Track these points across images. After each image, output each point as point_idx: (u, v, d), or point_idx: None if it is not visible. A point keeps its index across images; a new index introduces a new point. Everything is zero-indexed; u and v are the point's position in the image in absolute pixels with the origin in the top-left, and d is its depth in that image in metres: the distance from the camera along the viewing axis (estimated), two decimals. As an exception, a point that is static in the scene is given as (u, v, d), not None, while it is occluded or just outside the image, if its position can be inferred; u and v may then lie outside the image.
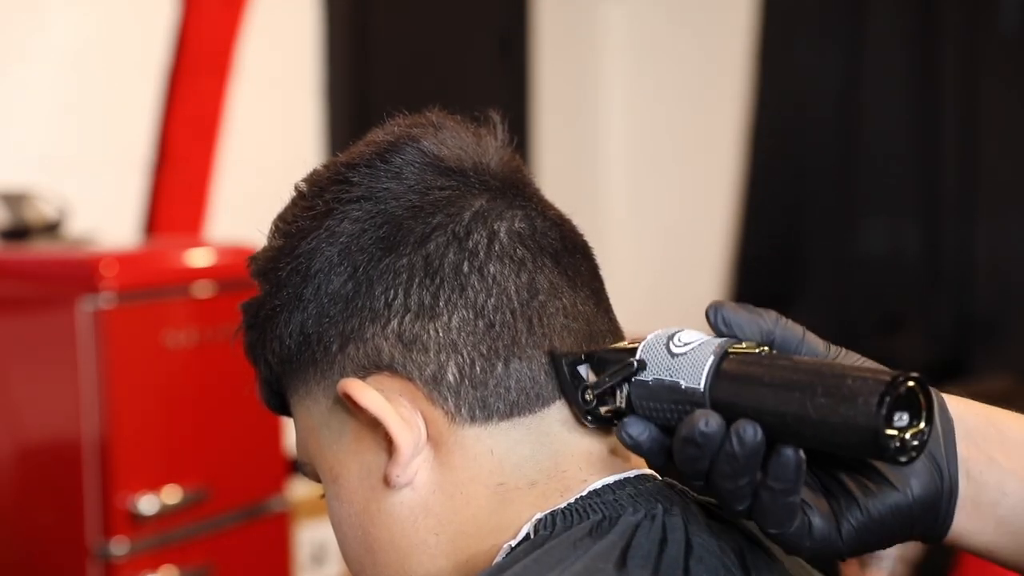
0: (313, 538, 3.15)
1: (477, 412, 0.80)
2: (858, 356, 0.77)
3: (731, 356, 0.73)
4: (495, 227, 0.82)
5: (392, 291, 0.80)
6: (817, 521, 0.72)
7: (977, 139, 4.19)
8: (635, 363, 0.76)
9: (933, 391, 0.72)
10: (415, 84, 3.96)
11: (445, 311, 0.80)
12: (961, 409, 0.76)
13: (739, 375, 0.72)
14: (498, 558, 0.79)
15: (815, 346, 0.77)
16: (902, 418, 0.68)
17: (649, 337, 0.77)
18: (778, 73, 4.49)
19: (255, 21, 3.32)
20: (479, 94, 4.26)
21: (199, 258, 2.57)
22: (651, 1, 4.80)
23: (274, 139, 3.47)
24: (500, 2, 4.45)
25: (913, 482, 0.73)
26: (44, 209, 2.73)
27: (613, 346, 0.80)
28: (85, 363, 2.28)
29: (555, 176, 4.50)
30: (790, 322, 0.77)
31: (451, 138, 0.84)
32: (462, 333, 0.80)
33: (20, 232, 2.66)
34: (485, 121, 0.87)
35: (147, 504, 2.34)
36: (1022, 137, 4.17)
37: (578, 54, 4.80)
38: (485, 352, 0.80)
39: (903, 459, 0.69)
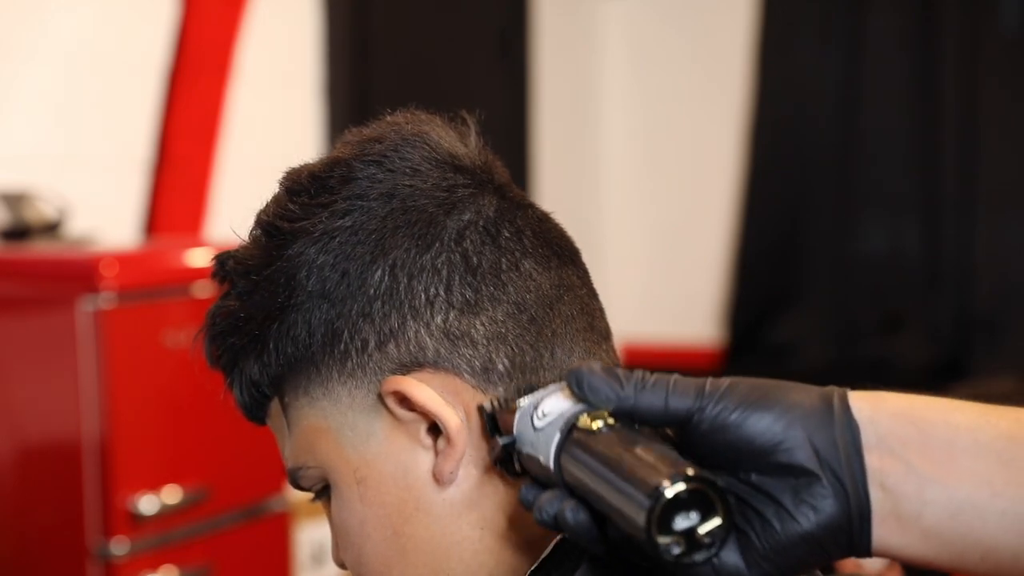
0: (313, 538, 3.14)
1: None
2: (737, 392, 0.70)
3: (574, 433, 0.73)
4: (518, 224, 0.83)
5: (434, 288, 0.80)
6: (724, 555, 0.70)
7: (977, 139, 4.19)
8: (510, 440, 0.77)
9: (842, 401, 0.70)
10: (415, 84, 3.96)
11: (489, 306, 0.81)
12: (873, 412, 0.69)
13: (572, 457, 0.72)
14: (547, 551, 0.80)
15: (682, 397, 0.71)
16: (689, 516, 0.66)
17: (523, 405, 0.77)
18: (778, 73, 4.49)
19: (255, 21, 3.32)
20: (479, 94, 4.26)
21: (199, 258, 2.56)
22: (651, 0, 4.80)
23: (274, 139, 3.47)
24: (500, 2, 4.45)
25: (813, 508, 0.68)
26: (44, 209, 2.73)
27: (515, 403, 0.78)
28: (85, 363, 2.28)
29: (555, 175, 4.50)
30: (654, 380, 0.72)
31: (451, 137, 0.85)
32: (508, 325, 0.81)
33: (20, 232, 2.65)
34: (461, 122, 0.87)
35: (147, 504, 2.34)
36: (1022, 137, 4.17)
37: (578, 53, 4.80)
38: (532, 342, 0.81)
39: (697, 558, 0.67)
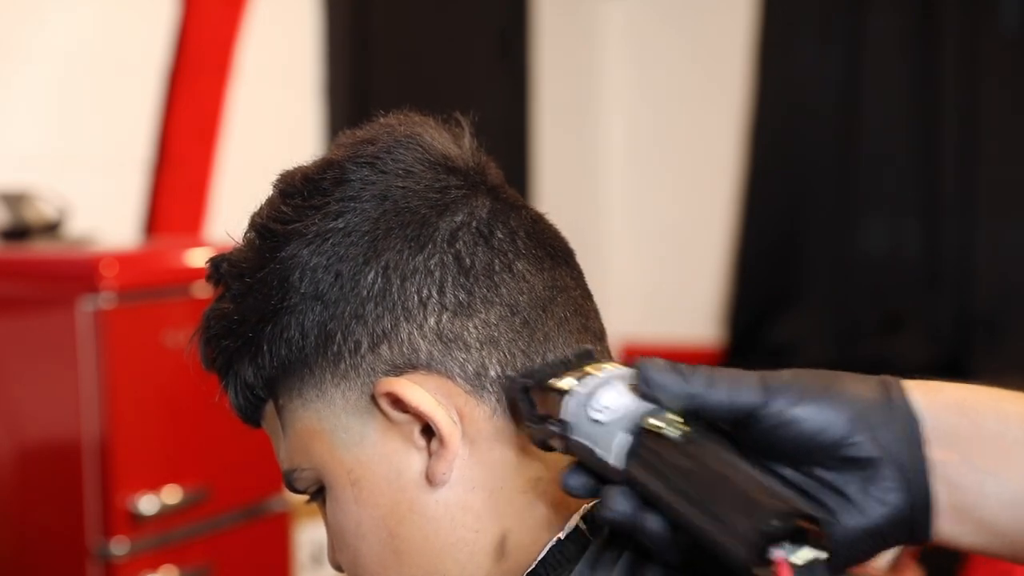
0: (313, 538, 3.14)
1: None
2: (798, 386, 0.71)
3: (648, 440, 0.71)
4: (512, 225, 0.83)
5: (426, 289, 0.80)
6: None
7: (977, 139, 4.19)
8: (560, 424, 0.75)
9: (900, 392, 0.70)
10: (415, 84, 3.96)
11: (482, 308, 0.81)
12: (929, 403, 0.71)
13: (648, 463, 0.71)
14: (543, 552, 0.80)
15: (747, 392, 0.71)
16: (785, 546, 0.66)
17: (574, 390, 0.75)
18: (778, 73, 4.49)
19: (255, 21, 3.32)
20: (479, 94, 4.26)
21: (199, 258, 2.56)
22: (651, 0, 4.80)
23: (274, 139, 3.47)
24: (500, 2, 4.45)
25: (880, 501, 0.69)
26: (44, 209, 2.73)
27: (552, 382, 0.77)
28: (85, 363, 2.28)
29: (555, 176, 4.50)
30: (720, 376, 0.72)
31: (444, 138, 0.85)
32: (501, 328, 0.81)
33: (20, 232, 2.66)
34: (455, 123, 0.87)
35: (147, 504, 2.34)
36: (1022, 137, 4.17)
37: (578, 53, 4.80)
38: (524, 348, 0.81)
39: None
